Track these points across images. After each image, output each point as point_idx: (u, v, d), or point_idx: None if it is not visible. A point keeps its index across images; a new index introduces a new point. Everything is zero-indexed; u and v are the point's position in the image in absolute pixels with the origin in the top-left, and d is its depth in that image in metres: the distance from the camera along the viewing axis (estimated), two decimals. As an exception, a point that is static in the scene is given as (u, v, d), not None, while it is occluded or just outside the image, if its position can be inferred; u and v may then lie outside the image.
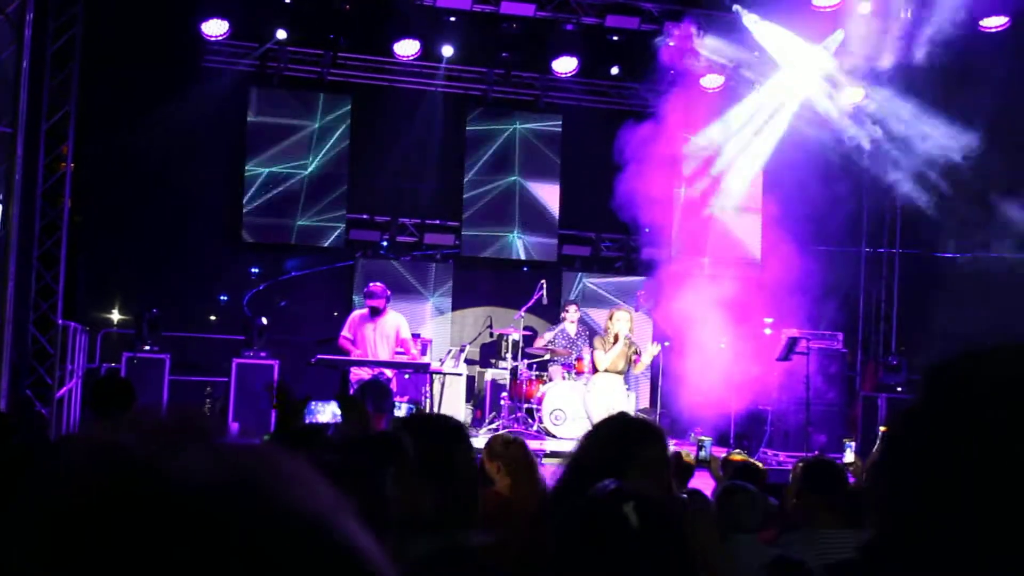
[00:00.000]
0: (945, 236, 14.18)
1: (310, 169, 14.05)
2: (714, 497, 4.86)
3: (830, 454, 10.08)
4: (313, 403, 11.44)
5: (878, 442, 8.17)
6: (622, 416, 3.06)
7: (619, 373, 9.94)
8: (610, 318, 9.98)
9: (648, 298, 13.67)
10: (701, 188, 14.71)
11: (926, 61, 12.33)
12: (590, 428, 2.78)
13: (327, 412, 12.20)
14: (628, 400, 9.96)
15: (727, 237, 14.87)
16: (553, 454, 11.36)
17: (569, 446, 10.82)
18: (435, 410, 11.45)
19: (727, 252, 14.83)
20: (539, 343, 13.17)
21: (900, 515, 1.02)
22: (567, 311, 13.29)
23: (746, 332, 13.09)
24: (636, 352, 9.97)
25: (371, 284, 11.22)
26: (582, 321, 13.40)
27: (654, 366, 13.40)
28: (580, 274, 15.25)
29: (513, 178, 14.82)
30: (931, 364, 1.04)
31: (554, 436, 12.24)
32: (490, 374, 13.58)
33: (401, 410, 11.79)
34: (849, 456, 8.72)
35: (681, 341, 12.81)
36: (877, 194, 14.48)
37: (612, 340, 9.90)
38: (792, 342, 12.25)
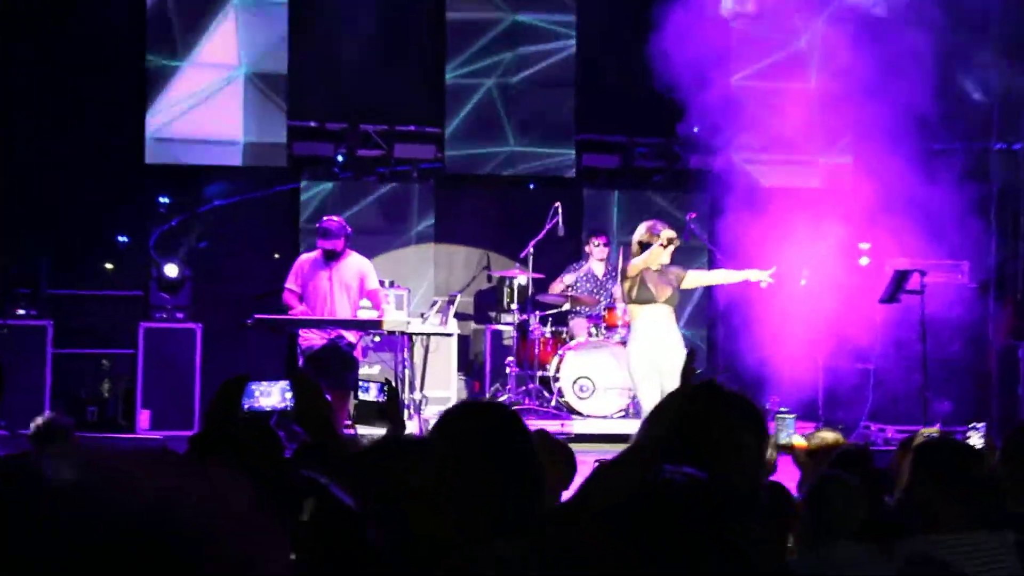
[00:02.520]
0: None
1: (233, 61, 13.93)
2: (800, 493, 4.93)
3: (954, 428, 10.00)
4: (253, 385, 11.21)
5: None
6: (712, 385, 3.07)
7: (667, 304, 9.52)
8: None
9: (700, 221, 13.42)
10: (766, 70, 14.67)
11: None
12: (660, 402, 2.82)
13: (275, 393, 11.97)
14: (681, 347, 9.57)
15: (804, 132, 14.56)
16: (580, 438, 11.18)
17: (599, 426, 10.67)
18: (417, 384, 11.53)
19: (805, 154, 14.75)
20: (555, 288, 13.15)
21: None
22: (592, 244, 13.32)
23: (836, 264, 13.01)
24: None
25: (325, 219, 11.29)
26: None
27: (711, 311, 13.17)
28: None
29: (514, 66, 14.69)
30: None
31: (579, 414, 12.36)
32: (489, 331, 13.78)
33: (370, 392, 11.55)
34: (976, 443, 8.51)
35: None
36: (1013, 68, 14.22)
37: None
38: (900, 276, 12.28)
